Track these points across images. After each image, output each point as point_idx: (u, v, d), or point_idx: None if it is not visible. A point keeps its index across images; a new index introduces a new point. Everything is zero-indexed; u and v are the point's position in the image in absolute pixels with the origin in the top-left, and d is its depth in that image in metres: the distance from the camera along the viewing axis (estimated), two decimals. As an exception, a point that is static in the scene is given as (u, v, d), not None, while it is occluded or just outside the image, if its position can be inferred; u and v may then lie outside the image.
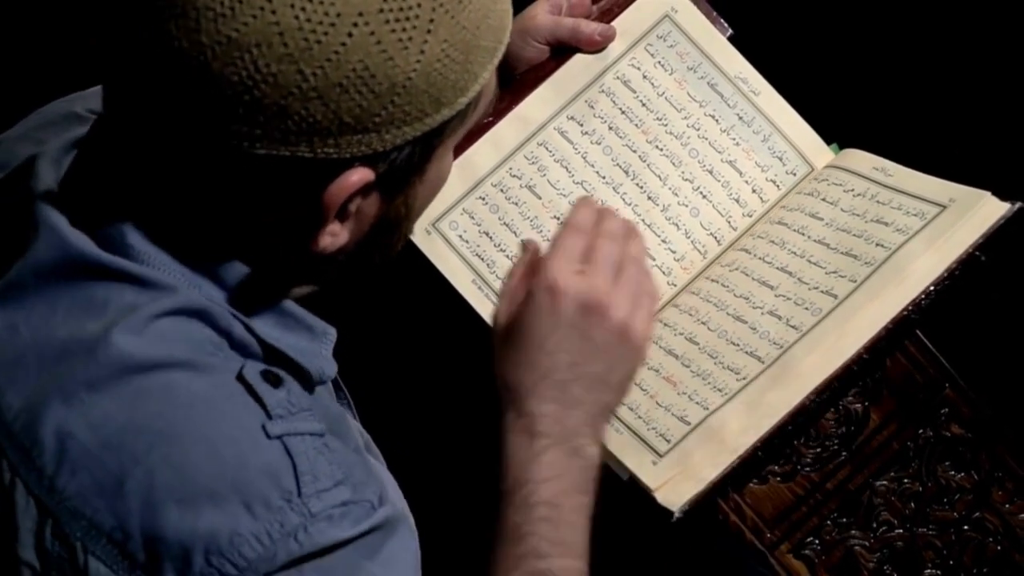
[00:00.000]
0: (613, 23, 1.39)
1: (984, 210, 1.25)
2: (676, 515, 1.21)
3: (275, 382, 0.98)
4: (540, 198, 1.38)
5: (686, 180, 1.39)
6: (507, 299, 1.13)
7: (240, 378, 0.97)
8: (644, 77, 1.39)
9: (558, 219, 1.37)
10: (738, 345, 1.29)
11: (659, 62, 1.40)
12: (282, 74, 0.90)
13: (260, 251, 1.00)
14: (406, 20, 0.92)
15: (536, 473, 1.09)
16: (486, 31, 0.97)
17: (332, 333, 1.07)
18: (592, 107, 1.39)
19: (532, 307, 1.10)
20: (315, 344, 1.05)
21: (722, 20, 1.41)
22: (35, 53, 1.84)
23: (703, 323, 1.32)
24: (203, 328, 0.99)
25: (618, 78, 1.39)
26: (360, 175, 0.95)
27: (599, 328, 1.10)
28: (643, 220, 1.38)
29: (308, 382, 1.04)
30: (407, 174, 0.99)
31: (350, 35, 0.90)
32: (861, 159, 1.37)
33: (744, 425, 1.24)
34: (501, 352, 1.11)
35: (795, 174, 1.39)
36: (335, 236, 0.99)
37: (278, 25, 0.90)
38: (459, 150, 1.38)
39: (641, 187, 1.39)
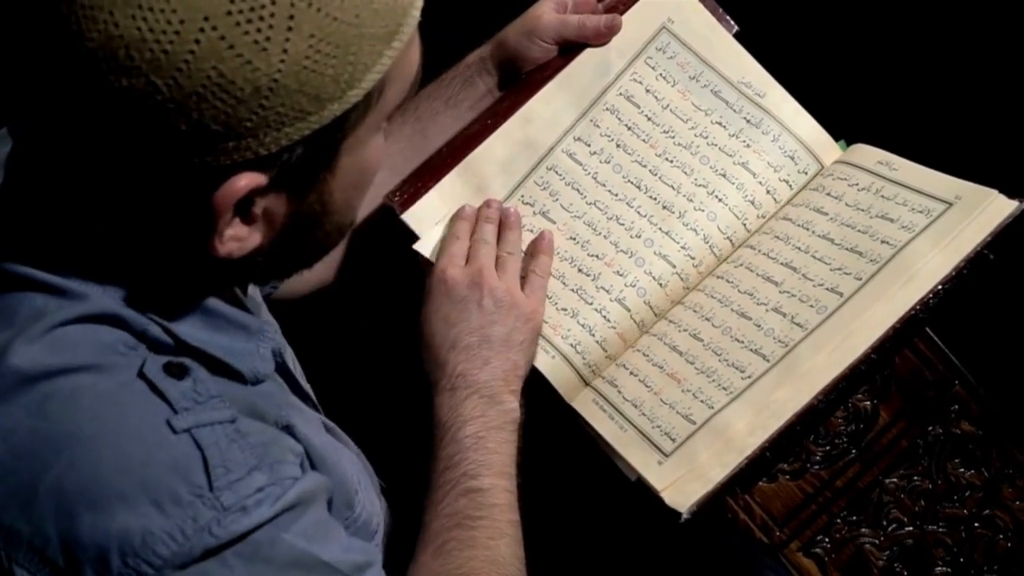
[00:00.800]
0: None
1: (992, 208, 1.24)
2: (684, 516, 1.21)
3: (179, 373, 0.97)
4: (555, 222, 1.38)
5: (699, 186, 1.38)
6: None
7: (141, 375, 0.96)
8: (647, 91, 1.39)
9: (574, 240, 1.37)
10: (743, 342, 1.29)
11: (660, 74, 1.39)
12: (135, 88, 0.89)
13: (168, 256, 1.00)
14: (260, 20, 0.89)
15: (461, 415, 1.24)
16: (370, 17, 0.94)
17: (269, 329, 1.08)
18: (598, 126, 1.38)
19: (431, 297, 1.29)
20: (251, 343, 1.06)
21: (728, 17, 1.41)
22: None
23: (708, 320, 1.32)
24: (111, 332, 0.98)
25: (621, 94, 1.39)
26: (247, 179, 0.94)
27: (488, 297, 1.28)
28: (660, 229, 1.37)
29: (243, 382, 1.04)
30: (311, 172, 0.97)
31: (197, 42, 0.89)
32: (866, 153, 1.37)
33: (751, 425, 1.24)
34: (420, 342, 1.28)
35: (806, 172, 1.39)
36: (241, 240, 0.98)
37: (122, 39, 0.89)
38: (465, 151, 1.38)
39: (655, 198, 1.38)
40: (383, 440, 1.33)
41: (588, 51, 1.39)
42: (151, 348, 0.99)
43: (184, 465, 0.94)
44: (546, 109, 1.39)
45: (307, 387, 1.21)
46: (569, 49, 1.40)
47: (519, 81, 1.42)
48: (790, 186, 1.39)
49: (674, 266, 1.37)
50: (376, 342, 1.70)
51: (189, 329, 1.01)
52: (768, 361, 1.27)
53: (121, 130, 0.91)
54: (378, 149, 1.03)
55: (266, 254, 1.01)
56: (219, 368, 1.02)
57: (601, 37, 1.38)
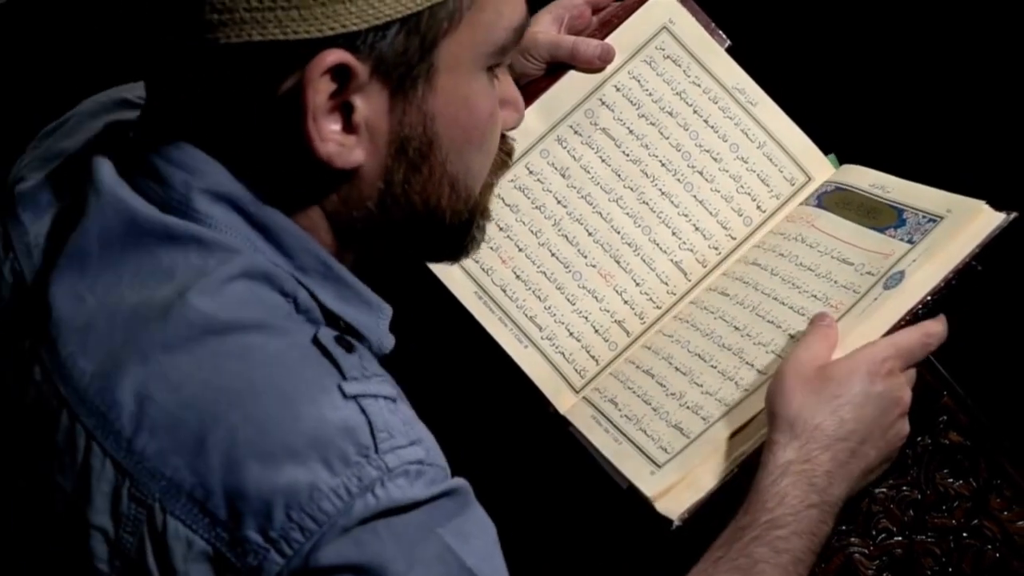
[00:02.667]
0: (612, 35, 1.40)
1: (980, 220, 1.25)
2: (675, 523, 1.22)
3: (348, 348, 0.99)
4: (541, 208, 1.39)
5: (686, 191, 1.40)
6: (821, 342, 1.23)
7: (315, 341, 0.98)
8: (642, 88, 1.40)
9: (558, 227, 1.39)
10: (739, 356, 1.30)
11: (657, 73, 1.40)
12: None
13: (290, 181, 1.01)
14: None
15: (797, 524, 1.17)
16: None
17: (388, 309, 1.09)
18: (591, 118, 1.40)
19: (865, 372, 1.20)
20: (373, 318, 1.07)
21: (720, 31, 1.42)
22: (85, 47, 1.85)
23: (705, 334, 1.33)
24: (271, 293, 1.00)
25: (617, 89, 1.40)
26: (336, 55, 0.95)
27: (894, 428, 1.22)
28: (643, 230, 1.39)
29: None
30: (406, 72, 0.98)
31: None
32: (859, 174, 1.38)
33: (744, 434, 1.25)
34: (805, 387, 1.20)
35: (793, 183, 1.40)
36: (343, 147, 0.99)
37: None
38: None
39: (640, 198, 1.39)
40: None
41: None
42: (299, 312, 1.01)
43: (353, 427, 0.95)
44: (540, 122, 1.40)
45: None
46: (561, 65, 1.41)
47: (514, 93, 1.43)
48: (776, 196, 1.40)
49: (655, 268, 1.38)
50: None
51: (326, 295, 1.03)
52: (763, 373, 1.27)
53: (202, 11, 0.94)
54: (486, 97, 1.04)
55: (378, 200, 1.02)
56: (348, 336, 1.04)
57: (592, 64, 1.39)
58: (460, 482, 1.00)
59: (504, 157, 1.13)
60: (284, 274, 1.01)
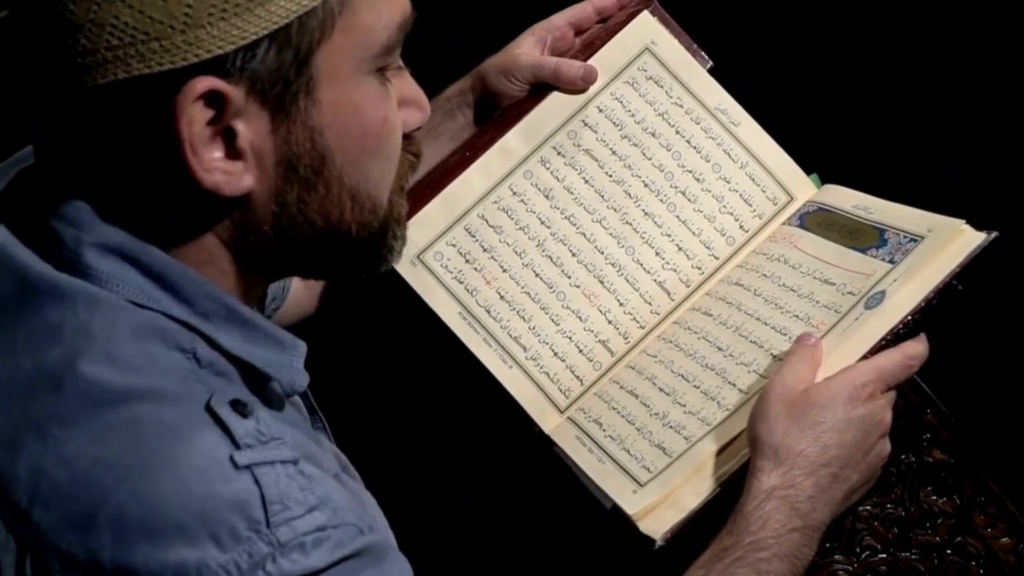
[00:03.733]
0: (595, 56, 1.41)
1: (960, 240, 1.25)
2: (658, 543, 1.22)
3: (244, 412, 0.97)
4: (525, 230, 1.40)
5: (669, 211, 1.40)
6: (806, 363, 1.23)
7: (208, 408, 0.96)
8: (625, 109, 1.41)
9: (541, 248, 1.39)
10: (719, 374, 1.30)
11: (640, 94, 1.41)
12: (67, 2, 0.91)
13: (182, 219, 0.99)
14: None
15: (779, 547, 1.18)
16: None
17: (301, 346, 1.06)
18: (574, 139, 1.40)
19: (847, 396, 1.20)
20: (284, 356, 1.04)
21: (702, 53, 1.43)
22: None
23: (688, 354, 1.33)
24: (167, 351, 0.98)
25: (600, 111, 1.40)
26: (205, 82, 0.93)
27: (875, 449, 1.22)
28: (626, 250, 1.39)
29: (278, 399, 1.04)
30: (284, 89, 0.96)
31: None
32: (841, 196, 1.38)
33: (727, 454, 1.25)
34: (789, 413, 1.20)
35: (775, 203, 1.41)
36: (229, 175, 0.96)
37: None
38: (444, 182, 1.40)
39: (624, 218, 1.40)
40: (390, 480, 1.29)
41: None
42: (201, 367, 0.98)
43: (244, 500, 0.93)
44: (523, 143, 1.40)
45: (324, 421, 1.20)
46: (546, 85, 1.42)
47: (498, 114, 1.43)
48: (759, 216, 1.40)
49: (638, 288, 1.38)
50: (364, 372, 1.71)
51: (229, 339, 1.01)
52: (745, 393, 1.28)
53: (78, 43, 0.92)
54: (376, 101, 1.01)
55: (274, 224, 1.00)
56: (257, 380, 1.02)
57: (575, 85, 1.40)
58: (372, 539, 0.97)
59: (411, 159, 1.09)
60: (177, 328, 0.99)
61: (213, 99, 0.94)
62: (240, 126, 0.95)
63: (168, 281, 0.99)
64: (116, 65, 0.92)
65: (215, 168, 0.96)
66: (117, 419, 0.94)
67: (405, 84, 1.06)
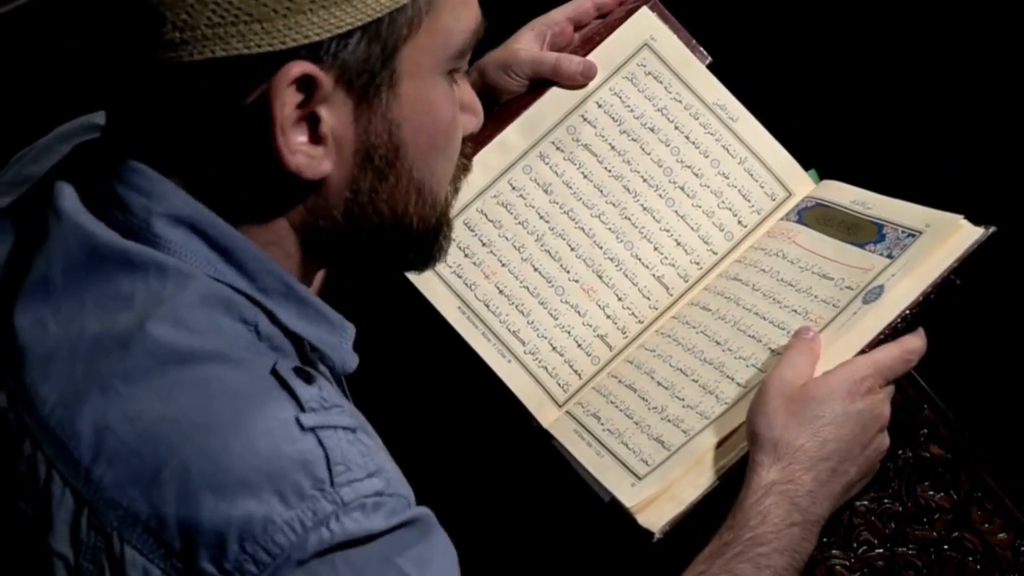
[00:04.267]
0: (594, 52, 1.41)
1: (958, 235, 1.26)
2: (657, 536, 1.22)
3: (307, 379, 0.99)
4: (524, 224, 1.40)
5: (668, 206, 1.40)
6: (804, 357, 1.23)
7: (274, 372, 0.98)
8: (624, 105, 1.41)
9: (540, 243, 1.39)
10: (720, 370, 1.30)
11: (639, 90, 1.41)
12: None
13: (255, 196, 1.01)
14: None
15: (779, 542, 1.18)
16: None
17: (350, 328, 1.09)
18: (574, 134, 1.40)
19: (845, 391, 1.21)
20: (335, 337, 1.07)
21: (701, 48, 1.43)
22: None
23: (687, 348, 1.33)
24: (231, 321, 1.00)
25: (599, 106, 1.40)
26: (301, 67, 0.96)
27: (874, 443, 1.23)
28: (625, 245, 1.39)
29: (327, 378, 1.05)
30: (370, 80, 0.99)
31: None
32: (840, 191, 1.38)
33: (725, 447, 1.25)
34: (788, 408, 1.21)
35: (774, 199, 1.41)
36: (311, 158, 0.99)
37: None
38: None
39: (623, 213, 1.40)
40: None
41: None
42: (261, 339, 1.01)
43: (309, 460, 0.94)
44: (522, 138, 1.40)
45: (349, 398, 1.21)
46: (545, 81, 1.42)
47: (497, 109, 1.43)
48: (757, 211, 1.41)
49: (637, 283, 1.39)
50: (363, 367, 1.71)
51: (287, 316, 1.03)
52: (744, 387, 1.28)
53: (179, 17, 0.94)
54: (448, 101, 1.05)
55: (345, 210, 1.03)
56: (308, 360, 1.04)
57: (575, 81, 1.40)
58: (421, 511, 1.00)
59: (465, 162, 1.14)
60: (243, 301, 1.01)
61: (305, 84, 0.97)
62: (325, 112, 0.99)
63: (233, 255, 1.02)
64: (215, 42, 0.95)
65: (299, 151, 0.99)
66: (184, 377, 0.96)
67: (466, 90, 1.11)
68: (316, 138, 0.99)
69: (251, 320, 1.01)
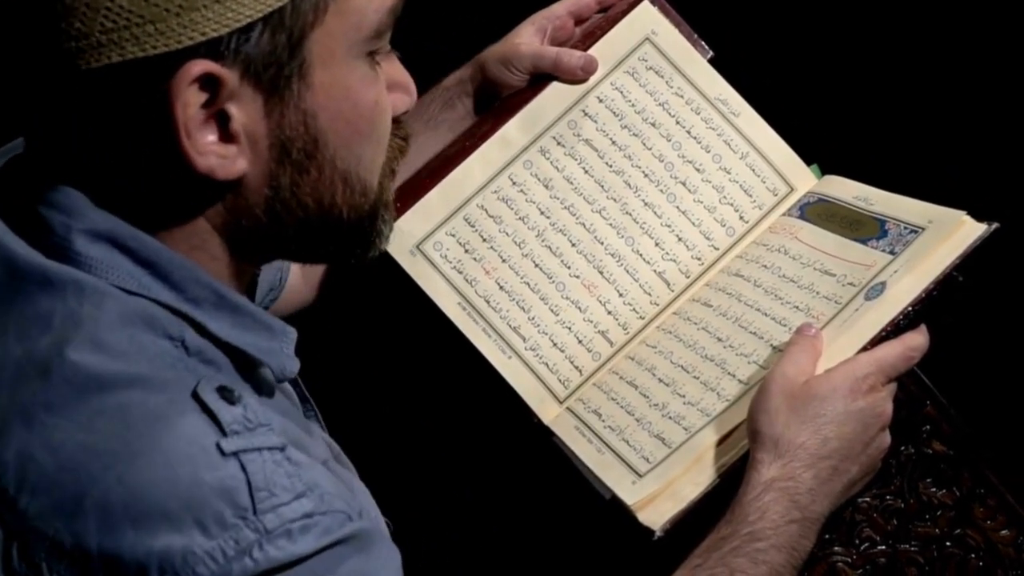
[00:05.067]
0: (595, 46, 1.40)
1: (961, 231, 1.25)
2: (657, 534, 1.22)
3: (231, 399, 0.96)
4: (525, 220, 1.39)
5: (669, 201, 1.40)
6: (806, 354, 1.23)
7: (195, 395, 0.95)
8: (625, 99, 1.40)
9: (541, 238, 1.39)
10: (721, 367, 1.30)
11: (640, 84, 1.41)
12: None
13: (173, 203, 0.99)
14: None
15: (777, 538, 1.18)
16: None
17: (291, 332, 1.06)
18: (574, 129, 1.40)
19: (847, 389, 1.21)
20: (275, 343, 1.04)
21: (703, 43, 1.42)
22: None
23: (688, 345, 1.33)
24: (155, 339, 0.97)
25: (600, 100, 1.40)
26: (201, 65, 0.93)
27: (876, 442, 1.23)
28: (626, 241, 1.39)
29: (268, 386, 1.04)
30: (278, 72, 0.96)
31: None
32: (843, 187, 1.38)
33: (726, 444, 1.25)
34: (789, 405, 1.20)
35: (775, 194, 1.41)
36: (224, 158, 0.96)
37: None
38: (443, 172, 1.40)
39: (624, 208, 1.40)
40: (384, 469, 1.29)
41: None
42: (190, 355, 0.99)
43: (230, 487, 0.93)
44: (523, 133, 1.40)
45: (316, 409, 1.20)
46: (546, 75, 1.41)
47: (498, 104, 1.43)
48: (759, 206, 1.40)
49: (638, 279, 1.38)
50: (363, 362, 1.71)
51: (219, 326, 1.01)
52: (745, 384, 1.28)
53: (72, 26, 0.92)
54: (368, 85, 1.01)
55: (267, 207, 1.00)
56: (247, 367, 1.02)
57: (575, 75, 1.39)
58: (360, 525, 0.97)
59: (400, 143, 1.09)
60: (166, 315, 0.99)
61: (207, 82, 0.94)
62: (234, 109, 0.96)
63: (158, 267, 0.99)
64: (110, 48, 0.92)
65: (209, 152, 0.96)
66: (104, 405, 0.94)
67: (394, 68, 1.06)
68: (227, 136, 0.96)
69: (176, 335, 0.98)
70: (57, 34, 0.93)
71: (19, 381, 0.96)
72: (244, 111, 0.96)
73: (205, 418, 0.95)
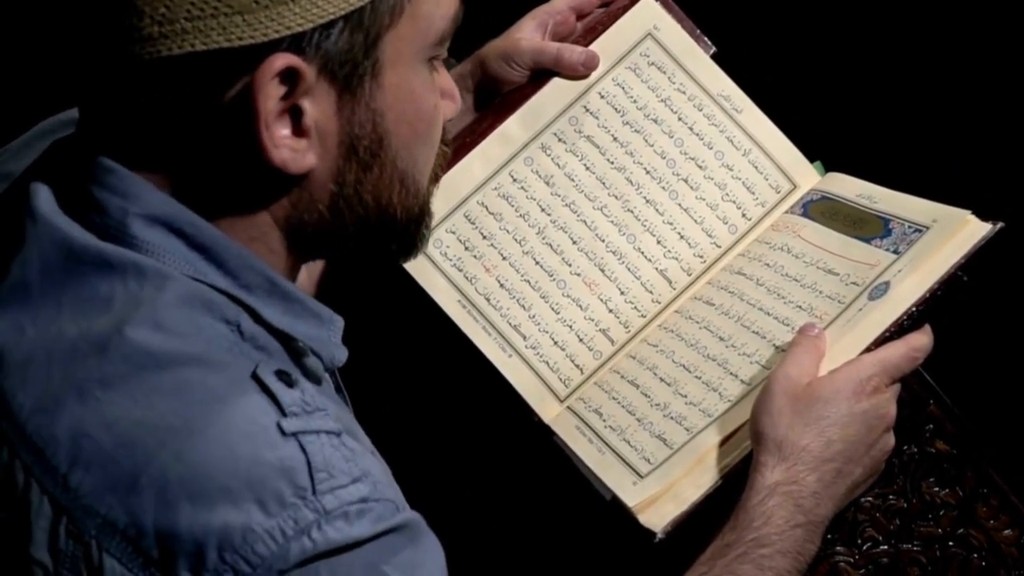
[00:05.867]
0: (596, 42, 1.40)
1: (966, 230, 1.25)
2: (659, 536, 1.21)
3: (289, 382, 0.97)
4: (525, 217, 1.39)
5: (671, 198, 1.39)
6: (809, 354, 1.22)
7: (254, 376, 0.96)
8: (627, 95, 1.40)
9: (542, 236, 1.38)
10: (723, 367, 1.29)
11: (642, 80, 1.40)
12: None
13: (237, 192, 1.00)
14: None
15: (782, 543, 1.17)
16: None
17: (339, 320, 1.07)
18: (576, 125, 1.39)
19: (851, 391, 1.20)
20: (324, 331, 1.05)
21: (705, 38, 1.42)
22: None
23: (690, 344, 1.33)
24: (212, 321, 0.98)
25: (601, 96, 1.39)
26: (285, 59, 0.95)
27: (879, 443, 1.22)
28: (627, 238, 1.38)
29: (316, 374, 1.04)
30: (353, 70, 0.98)
31: None
32: (846, 184, 1.37)
33: (728, 446, 1.25)
34: (793, 407, 1.19)
35: (778, 191, 1.40)
36: (295, 152, 0.98)
37: None
38: (444, 169, 1.39)
39: (625, 206, 1.39)
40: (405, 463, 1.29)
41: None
42: (244, 339, 0.99)
43: (290, 467, 0.93)
44: (523, 130, 1.39)
45: (348, 399, 1.20)
46: (547, 71, 1.41)
47: (499, 100, 1.42)
48: (761, 204, 1.40)
49: (639, 276, 1.37)
50: (361, 359, 1.70)
51: (272, 313, 1.01)
52: (747, 384, 1.27)
53: (157, 11, 0.93)
54: (429, 89, 1.04)
55: (330, 204, 1.02)
56: (296, 356, 1.03)
57: (577, 71, 1.39)
58: (409, 515, 0.98)
59: (445, 149, 1.12)
60: (223, 300, 1.00)
61: (288, 76, 0.96)
62: (308, 104, 0.97)
63: (213, 253, 1.00)
64: (195, 36, 0.94)
65: (283, 145, 0.98)
66: (162, 382, 0.95)
67: (443, 76, 1.09)
68: (299, 131, 0.98)
69: (232, 319, 0.99)
70: (140, 17, 0.94)
71: (74, 359, 0.96)
72: (318, 107, 0.98)
73: (265, 398, 0.96)
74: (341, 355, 1.07)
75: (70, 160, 1.03)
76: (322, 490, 0.93)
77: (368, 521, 0.95)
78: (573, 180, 1.39)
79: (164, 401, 0.94)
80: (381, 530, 0.95)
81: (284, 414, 0.95)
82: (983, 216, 1.26)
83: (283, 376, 0.97)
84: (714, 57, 1.41)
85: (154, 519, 0.92)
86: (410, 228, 1.08)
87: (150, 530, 0.92)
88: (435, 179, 1.11)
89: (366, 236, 1.06)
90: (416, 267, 1.37)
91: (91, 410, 0.95)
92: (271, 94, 0.95)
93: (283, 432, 0.94)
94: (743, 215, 1.40)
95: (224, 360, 0.97)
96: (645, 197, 1.39)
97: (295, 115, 0.98)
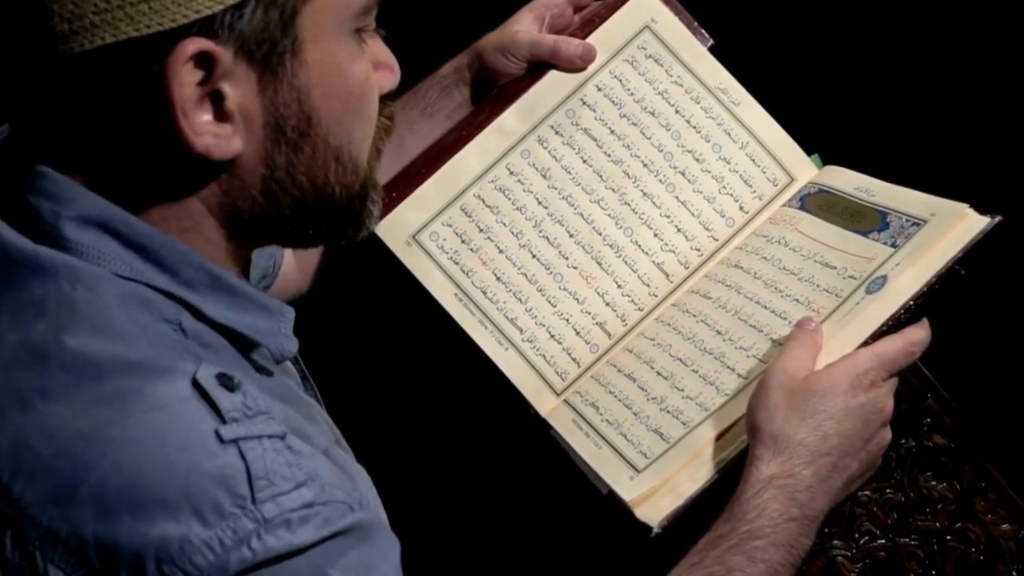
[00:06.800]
0: (594, 34, 1.39)
1: (964, 224, 1.25)
2: (655, 530, 1.21)
3: (230, 386, 0.96)
4: (522, 210, 1.39)
5: (668, 192, 1.39)
6: (806, 348, 1.22)
7: (194, 382, 0.95)
8: (624, 88, 1.39)
9: (539, 229, 1.38)
10: (720, 360, 1.29)
11: (639, 73, 1.40)
12: None
13: (167, 185, 0.99)
14: None
15: (775, 536, 1.17)
16: None
17: (289, 311, 1.06)
18: (573, 118, 1.39)
19: (848, 385, 1.20)
20: (273, 323, 1.04)
21: (703, 31, 1.41)
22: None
23: (687, 338, 1.33)
24: (153, 322, 0.97)
25: (599, 89, 1.39)
26: (196, 43, 0.93)
27: (876, 438, 1.22)
28: (625, 231, 1.38)
29: (266, 368, 1.03)
30: (271, 49, 0.96)
31: None
32: (844, 177, 1.37)
33: (725, 440, 1.25)
34: (789, 401, 1.19)
35: (776, 184, 1.40)
36: (219, 137, 0.96)
37: None
38: (440, 161, 1.39)
39: (622, 199, 1.39)
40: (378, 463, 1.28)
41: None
42: (187, 338, 0.98)
43: (229, 475, 0.92)
44: (520, 122, 1.39)
45: (316, 391, 1.19)
46: (543, 64, 1.40)
47: (495, 92, 1.42)
48: (759, 197, 1.39)
49: (636, 270, 1.37)
50: (359, 354, 1.70)
51: (215, 308, 1.00)
52: (744, 378, 1.27)
53: (65, 7, 0.92)
54: (357, 61, 1.01)
55: (262, 188, 1.00)
56: (245, 348, 1.02)
57: (574, 64, 1.38)
58: (361, 516, 0.97)
59: (386, 122, 1.10)
60: (161, 299, 0.98)
61: (202, 61, 0.94)
62: (228, 88, 0.96)
63: (150, 251, 0.99)
64: (104, 29, 0.92)
65: (205, 131, 0.96)
66: (101, 392, 0.94)
67: (378, 47, 1.06)
68: (222, 116, 0.96)
69: (173, 318, 0.98)
70: (49, 16, 0.92)
71: (14, 368, 0.95)
72: (238, 90, 0.96)
73: (204, 405, 0.94)
74: (291, 346, 1.06)
75: (3, 167, 1.02)
76: (262, 498, 0.92)
77: (312, 527, 0.93)
78: (570, 173, 1.39)
79: (103, 411, 0.93)
80: (327, 534, 0.94)
81: (224, 420, 0.94)
82: (981, 210, 1.26)
83: (224, 380, 0.96)
84: (711, 50, 1.41)
85: (94, 530, 0.91)
86: (354, 205, 1.06)
87: (91, 541, 0.91)
88: (376, 154, 1.08)
89: (305, 217, 1.03)
90: (413, 260, 1.37)
91: (32, 421, 0.94)
92: (186, 80, 0.94)
93: (221, 439, 0.93)
94: (740, 208, 1.40)
95: (165, 363, 0.96)
96: (642, 190, 1.39)
97: (216, 100, 0.96)
